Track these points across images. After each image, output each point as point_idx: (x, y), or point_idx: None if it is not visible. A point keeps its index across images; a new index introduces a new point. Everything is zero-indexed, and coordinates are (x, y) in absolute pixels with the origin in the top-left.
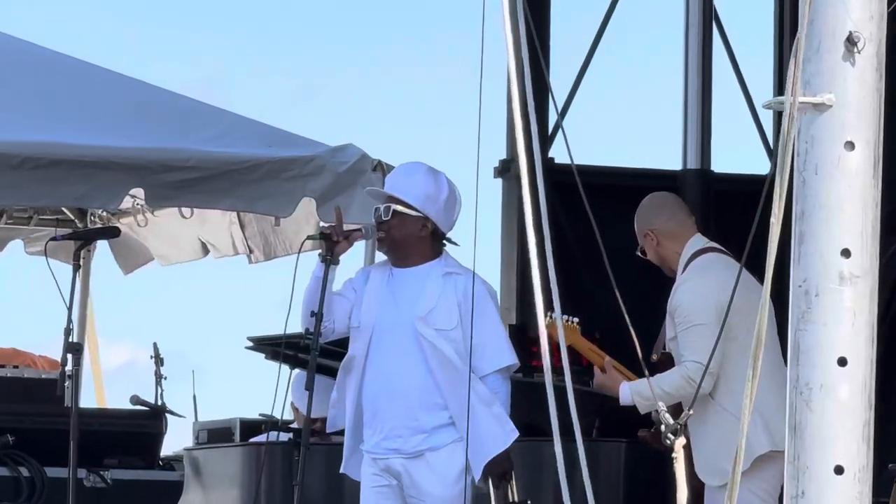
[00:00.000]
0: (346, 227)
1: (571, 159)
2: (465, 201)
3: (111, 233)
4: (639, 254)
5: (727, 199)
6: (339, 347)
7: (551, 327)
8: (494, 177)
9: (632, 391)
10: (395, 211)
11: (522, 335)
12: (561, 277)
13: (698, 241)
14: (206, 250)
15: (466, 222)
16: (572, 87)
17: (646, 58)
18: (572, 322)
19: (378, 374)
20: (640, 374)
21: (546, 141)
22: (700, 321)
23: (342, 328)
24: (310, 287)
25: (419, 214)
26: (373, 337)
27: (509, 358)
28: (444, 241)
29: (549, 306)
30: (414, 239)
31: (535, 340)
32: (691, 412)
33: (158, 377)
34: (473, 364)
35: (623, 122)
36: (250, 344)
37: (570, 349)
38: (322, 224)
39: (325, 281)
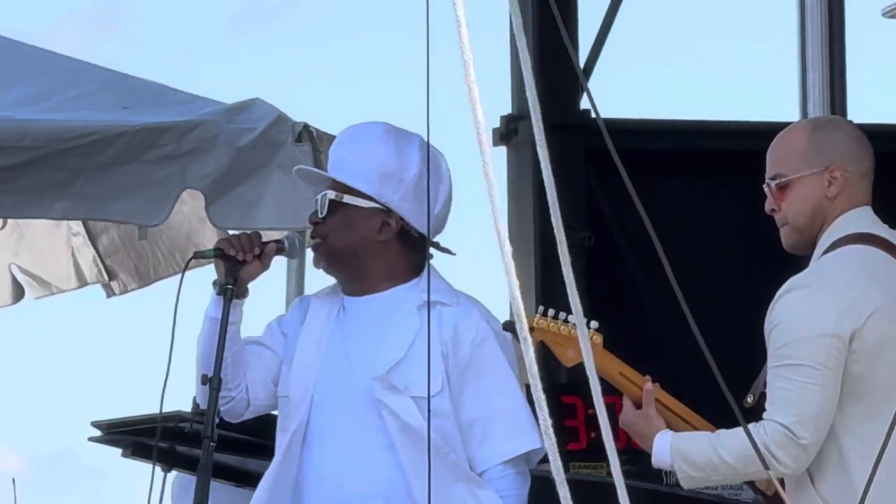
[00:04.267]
0: (261, 236)
1: (596, 111)
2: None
3: None
4: (771, 209)
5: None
6: (250, 436)
7: (552, 338)
8: (495, 143)
9: (673, 448)
10: (332, 202)
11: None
12: (602, 280)
13: (863, 216)
14: (18, 290)
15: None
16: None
17: None
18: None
19: (321, 476)
20: (720, 422)
21: (573, 89)
22: (803, 360)
23: (263, 399)
24: (203, 336)
25: (373, 205)
26: (312, 415)
27: (528, 441)
28: (433, 250)
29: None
30: (369, 246)
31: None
32: None
33: None
34: (469, 454)
35: (699, 59)
36: (97, 433)
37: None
38: (220, 234)
39: (224, 323)
